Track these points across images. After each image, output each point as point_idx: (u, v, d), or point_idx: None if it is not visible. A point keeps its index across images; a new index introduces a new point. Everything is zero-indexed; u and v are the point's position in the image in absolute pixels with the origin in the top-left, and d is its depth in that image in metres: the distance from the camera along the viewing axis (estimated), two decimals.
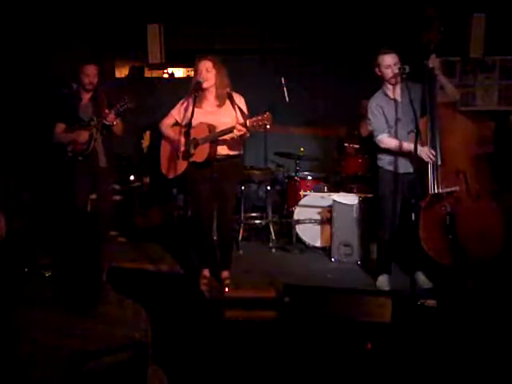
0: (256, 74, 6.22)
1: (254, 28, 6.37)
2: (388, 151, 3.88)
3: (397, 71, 3.72)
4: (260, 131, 3.81)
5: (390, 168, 3.90)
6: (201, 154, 3.80)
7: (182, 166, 3.90)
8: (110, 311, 1.70)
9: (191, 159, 3.77)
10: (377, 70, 3.84)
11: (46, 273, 3.51)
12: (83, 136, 4.16)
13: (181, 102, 3.98)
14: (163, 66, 6.52)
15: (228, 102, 3.87)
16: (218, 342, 3.03)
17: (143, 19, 6.06)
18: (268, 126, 3.66)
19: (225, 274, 4.10)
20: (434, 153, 3.66)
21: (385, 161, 3.94)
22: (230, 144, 3.86)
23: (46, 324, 1.61)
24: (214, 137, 3.78)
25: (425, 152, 3.66)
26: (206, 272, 4.07)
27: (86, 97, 4.25)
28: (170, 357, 2.34)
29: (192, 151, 3.76)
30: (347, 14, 5.98)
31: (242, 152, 4.02)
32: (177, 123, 3.99)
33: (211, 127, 3.79)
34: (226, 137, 3.76)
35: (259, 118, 3.59)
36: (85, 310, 1.66)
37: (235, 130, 3.65)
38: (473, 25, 5.57)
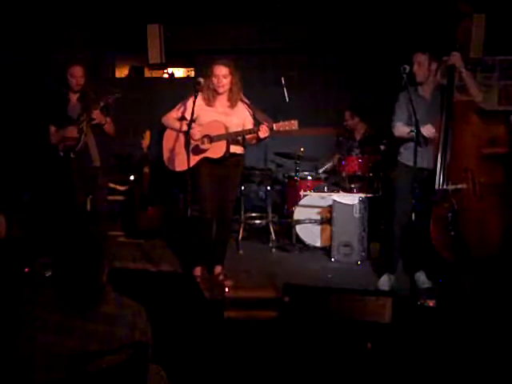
0: (256, 74, 6.22)
1: (254, 28, 6.37)
2: (407, 144, 3.88)
3: (422, 69, 3.78)
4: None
5: (409, 163, 3.87)
6: (217, 151, 3.87)
7: (192, 160, 3.88)
8: (110, 311, 1.70)
9: (205, 154, 3.86)
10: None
11: (45, 273, 3.50)
12: (72, 131, 4.15)
13: (189, 98, 3.97)
14: (163, 66, 6.52)
15: (239, 105, 3.96)
16: (218, 342, 3.03)
17: (143, 19, 6.06)
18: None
19: (218, 269, 4.13)
20: (433, 130, 3.69)
21: (403, 154, 3.97)
22: (237, 143, 3.97)
23: (46, 324, 1.61)
24: (235, 135, 3.87)
25: (428, 129, 3.70)
26: (198, 271, 4.07)
27: (74, 97, 4.25)
28: (169, 357, 2.34)
29: (206, 146, 3.84)
30: (348, 13, 5.98)
31: (244, 152, 4.10)
32: (182, 118, 4.01)
33: (226, 126, 3.86)
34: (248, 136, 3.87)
35: (286, 123, 3.75)
36: (85, 310, 1.66)
37: (259, 132, 3.73)
38: (473, 25, 5.58)
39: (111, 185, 5.41)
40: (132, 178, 5.87)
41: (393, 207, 4.03)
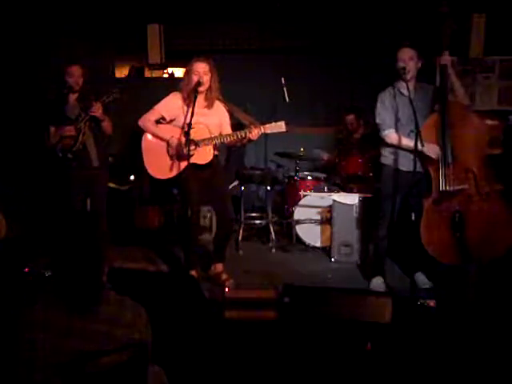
0: (256, 73, 6.22)
1: (254, 28, 6.37)
2: (392, 148, 3.85)
3: (404, 66, 3.70)
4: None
5: (394, 165, 3.87)
6: (204, 156, 3.81)
7: (180, 166, 3.86)
8: (110, 311, 1.70)
9: (191, 160, 3.73)
10: (396, 64, 3.76)
11: (45, 273, 3.50)
12: (69, 130, 4.14)
13: (170, 97, 3.93)
14: (163, 66, 6.52)
15: (216, 104, 3.90)
16: (218, 342, 3.03)
17: (143, 19, 6.06)
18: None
19: (219, 267, 4.12)
20: (439, 150, 3.65)
21: (388, 158, 3.91)
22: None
23: (46, 324, 1.61)
24: (223, 139, 3.79)
25: (433, 149, 3.64)
26: (194, 273, 4.06)
27: (73, 98, 4.24)
28: (169, 357, 2.34)
29: (192, 152, 3.71)
30: (349, 12, 5.98)
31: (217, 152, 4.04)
32: (160, 120, 3.94)
33: (209, 129, 3.81)
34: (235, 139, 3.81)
35: (273, 125, 3.72)
36: (85, 310, 1.66)
37: (249, 135, 3.70)
38: (473, 25, 5.58)
39: (111, 185, 5.41)
40: (132, 177, 5.88)
41: (379, 210, 4.02)
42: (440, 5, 3.76)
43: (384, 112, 3.83)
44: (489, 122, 3.74)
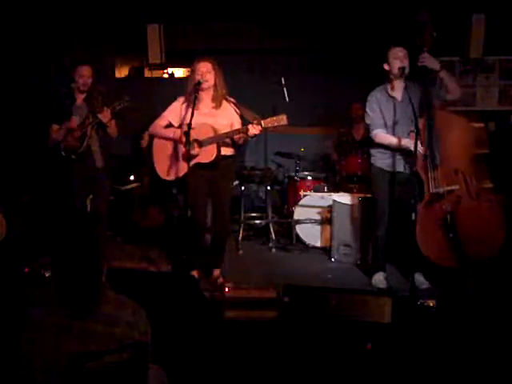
0: (256, 73, 6.23)
1: (254, 28, 6.37)
2: (381, 149, 3.89)
3: (403, 65, 3.69)
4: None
5: (383, 166, 3.92)
6: (208, 155, 3.79)
7: (184, 168, 3.87)
8: (110, 311, 1.70)
9: (196, 160, 3.77)
10: (386, 64, 3.79)
11: (45, 273, 3.51)
12: (74, 121, 4.13)
13: (175, 103, 3.97)
14: (163, 66, 6.53)
15: (225, 104, 3.87)
16: (218, 342, 3.03)
17: (143, 19, 6.07)
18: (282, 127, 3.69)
19: (216, 272, 4.12)
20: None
21: (377, 158, 3.96)
22: (227, 145, 3.89)
23: (45, 324, 1.61)
24: (224, 137, 3.78)
25: (407, 143, 3.67)
26: (195, 273, 4.06)
27: (80, 97, 4.24)
28: (169, 357, 2.34)
29: (196, 152, 3.74)
30: (347, 14, 5.99)
31: (235, 153, 4.02)
32: (170, 125, 3.96)
33: (214, 128, 3.79)
34: (236, 137, 3.78)
35: (274, 119, 3.62)
36: (85, 310, 1.66)
37: (249, 132, 3.64)
38: (473, 25, 5.58)
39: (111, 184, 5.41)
40: (132, 178, 5.88)
41: (374, 211, 4.04)
42: (418, 13, 3.75)
43: (372, 113, 3.91)
44: (474, 124, 3.74)
